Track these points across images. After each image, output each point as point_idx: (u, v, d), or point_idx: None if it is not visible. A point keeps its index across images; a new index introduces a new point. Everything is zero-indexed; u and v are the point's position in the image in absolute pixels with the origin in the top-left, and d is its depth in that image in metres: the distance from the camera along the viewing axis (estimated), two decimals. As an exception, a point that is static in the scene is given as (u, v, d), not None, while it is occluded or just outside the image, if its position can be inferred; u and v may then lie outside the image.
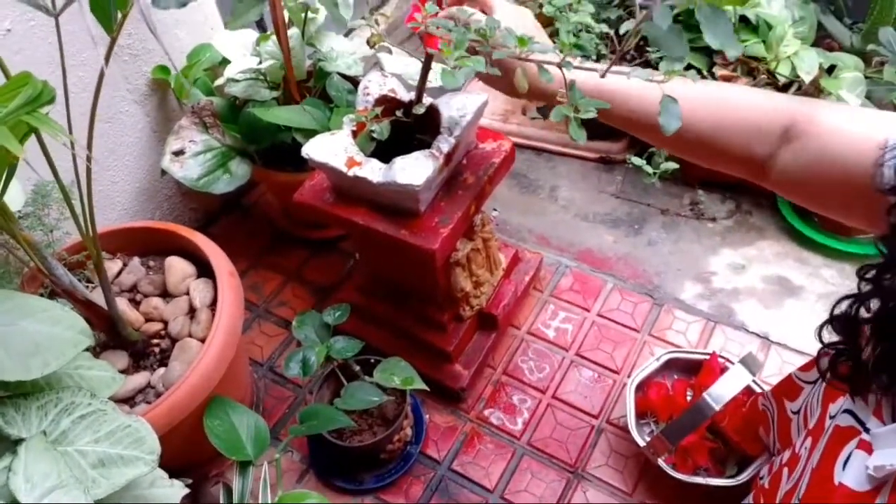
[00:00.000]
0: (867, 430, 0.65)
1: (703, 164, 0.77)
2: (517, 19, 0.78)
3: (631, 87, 0.73)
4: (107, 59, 0.71)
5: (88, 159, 0.78)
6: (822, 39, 1.46)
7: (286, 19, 1.17)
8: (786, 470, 0.81)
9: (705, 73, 1.40)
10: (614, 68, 0.59)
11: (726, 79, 1.36)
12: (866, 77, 1.33)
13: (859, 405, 0.68)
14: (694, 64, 1.39)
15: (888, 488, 0.61)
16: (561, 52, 0.60)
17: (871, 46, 1.30)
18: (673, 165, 1.42)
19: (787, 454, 0.83)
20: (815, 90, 1.36)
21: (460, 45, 0.62)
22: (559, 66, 0.61)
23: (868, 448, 0.64)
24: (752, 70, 1.37)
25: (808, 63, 1.27)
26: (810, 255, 1.40)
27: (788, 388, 0.90)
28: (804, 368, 0.88)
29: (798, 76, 1.30)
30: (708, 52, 1.42)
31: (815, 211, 0.73)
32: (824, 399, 0.79)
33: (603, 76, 0.60)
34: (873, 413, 0.66)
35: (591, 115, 0.59)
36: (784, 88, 1.35)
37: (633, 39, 0.54)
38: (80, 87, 1.12)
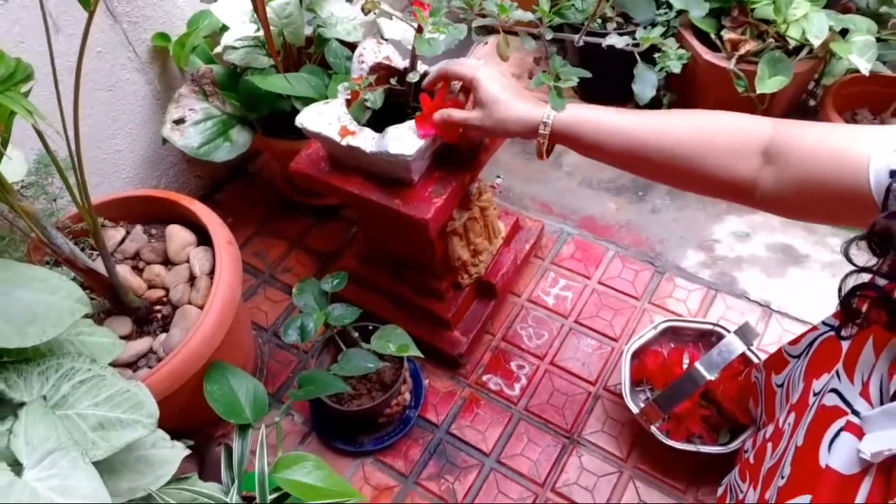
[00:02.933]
0: (854, 412, 0.65)
1: (694, 192, 0.80)
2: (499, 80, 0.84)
3: (617, 123, 0.80)
4: (85, 34, 0.71)
5: (76, 130, 0.78)
6: (837, 0, 1.41)
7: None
8: (770, 445, 0.82)
9: (713, 35, 1.36)
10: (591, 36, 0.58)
11: (734, 42, 1.33)
12: (880, 40, 1.29)
13: (845, 385, 0.68)
14: (702, 27, 1.36)
15: (874, 469, 0.61)
16: (541, 20, 0.59)
17: (884, 9, 1.26)
18: (678, 131, 1.40)
19: (770, 428, 0.83)
20: (825, 53, 1.33)
21: (437, 12, 0.62)
22: (539, 34, 0.60)
23: (856, 431, 0.63)
24: (762, 33, 1.34)
25: (818, 26, 1.23)
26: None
27: (776, 361, 0.90)
28: (793, 343, 0.87)
29: (808, 40, 1.27)
30: (717, 15, 1.38)
31: (803, 221, 0.73)
32: (807, 374, 0.79)
33: (578, 41, 0.59)
34: (860, 394, 0.65)
35: (572, 83, 0.58)
36: (795, 52, 1.32)
37: (606, 4, 0.53)
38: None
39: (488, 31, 0.80)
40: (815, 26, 1.24)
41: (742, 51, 1.32)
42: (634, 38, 0.55)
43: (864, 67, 1.23)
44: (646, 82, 0.57)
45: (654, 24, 1.33)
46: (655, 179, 0.84)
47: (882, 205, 0.60)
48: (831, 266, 1.32)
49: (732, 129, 0.73)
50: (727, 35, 1.34)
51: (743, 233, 1.39)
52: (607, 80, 1.56)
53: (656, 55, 1.20)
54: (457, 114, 0.88)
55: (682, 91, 1.48)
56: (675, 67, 1.30)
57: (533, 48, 0.63)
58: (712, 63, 1.34)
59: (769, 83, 1.26)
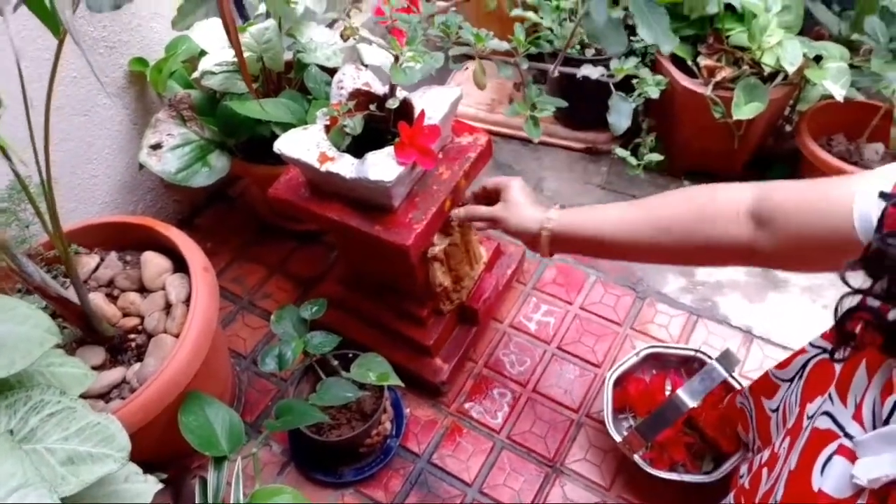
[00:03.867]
0: (847, 435, 0.64)
1: (703, 265, 0.87)
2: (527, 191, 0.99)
3: (613, 220, 0.86)
4: (55, 62, 0.69)
5: (46, 157, 0.77)
6: (811, 28, 1.44)
7: (264, 10, 1.16)
8: (765, 470, 0.81)
9: (690, 62, 1.38)
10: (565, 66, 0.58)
11: (710, 69, 1.35)
12: (853, 66, 1.32)
13: (838, 408, 0.67)
14: (678, 54, 1.38)
15: (866, 494, 0.60)
16: (516, 49, 0.59)
17: (855, 36, 1.29)
18: (657, 157, 1.41)
19: (766, 453, 0.83)
20: (800, 80, 1.35)
21: (413, 40, 0.62)
22: (515, 63, 0.60)
23: (849, 454, 0.63)
24: (737, 60, 1.36)
25: (792, 53, 1.25)
26: (795, 247, 1.39)
27: (765, 385, 0.90)
28: (780, 366, 0.87)
29: (782, 66, 1.28)
30: (693, 42, 1.40)
31: (811, 272, 0.76)
32: (802, 398, 0.78)
33: (553, 72, 0.60)
34: (853, 417, 0.65)
35: (548, 112, 0.58)
36: (770, 78, 1.34)
37: (577, 37, 0.53)
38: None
39: (467, 57, 0.80)
40: (789, 53, 1.26)
41: (718, 77, 1.33)
42: (608, 69, 0.55)
43: (839, 93, 1.25)
44: (621, 113, 0.57)
45: (631, 52, 1.35)
46: (661, 262, 0.90)
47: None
48: (810, 290, 1.33)
49: (717, 199, 0.78)
50: (703, 62, 1.36)
51: (723, 257, 1.39)
52: (587, 104, 1.57)
53: (634, 81, 1.21)
54: (481, 210, 1.01)
55: (661, 117, 1.50)
56: (654, 93, 1.32)
57: (510, 77, 0.63)
58: (689, 89, 1.36)
59: (745, 109, 1.28)
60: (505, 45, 0.61)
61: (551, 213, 0.93)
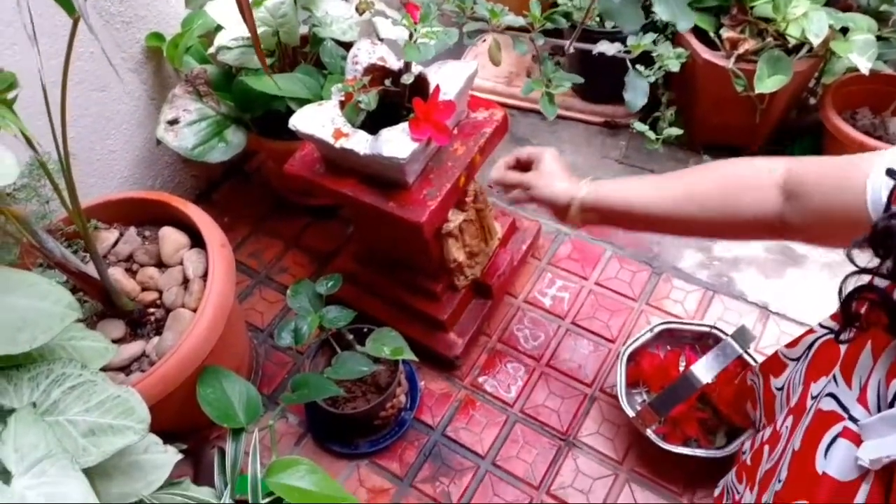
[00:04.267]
0: (851, 418, 0.64)
1: (732, 239, 0.88)
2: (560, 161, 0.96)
3: (645, 193, 0.85)
4: (70, 40, 0.70)
5: (64, 135, 0.78)
6: (838, -1, 1.40)
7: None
8: (766, 447, 0.81)
9: (712, 34, 1.35)
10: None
11: (733, 41, 1.32)
12: (880, 38, 1.28)
13: (843, 389, 0.67)
14: (701, 25, 1.35)
15: (872, 475, 0.60)
16: (532, 24, 0.58)
17: (885, 7, 1.25)
18: (677, 131, 1.38)
19: (768, 431, 0.83)
20: (825, 52, 1.31)
21: (426, 17, 0.61)
22: (531, 39, 0.59)
23: (853, 437, 0.63)
24: (761, 32, 1.33)
25: (818, 25, 1.22)
26: (816, 223, 1.37)
27: (774, 364, 0.90)
28: (790, 345, 0.87)
29: (808, 38, 1.25)
30: (715, 14, 1.37)
31: (836, 248, 0.76)
32: (806, 377, 0.78)
33: (569, 49, 0.59)
34: (857, 399, 0.64)
35: (564, 89, 0.58)
36: (794, 51, 1.30)
37: (594, 11, 0.52)
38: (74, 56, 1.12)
39: (483, 32, 0.79)
40: (814, 24, 1.22)
41: (741, 49, 1.30)
42: (625, 45, 0.54)
43: (865, 66, 1.22)
44: (637, 90, 0.57)
45: (651, 26, 1.32)
46: (694, 235, 0.89)
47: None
48: (830, 266, 1.31)
49: (747, 173, 0.78)
50: (726, 34, 1.33)
51: (741, 233, 1.37)
52: (605, 78, 1.55)
53: (654, 54, 1.19)
54: (512, 175, 0.98)
55: (681, 90, 1.47)
56: (674, 67, 1.29)
57: (524, 53, 0.62)
58: (711, 62, 1.33)
59: (768, 82, 1.25)
60: (520, 21, 0.61)
61: (583, 183, 0.91)
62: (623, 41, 0.69)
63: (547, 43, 0.63)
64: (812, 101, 1.53)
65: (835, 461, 0.64)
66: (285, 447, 1.17)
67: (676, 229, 0.87)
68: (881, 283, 0.61)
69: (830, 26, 1.25)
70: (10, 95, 0.63)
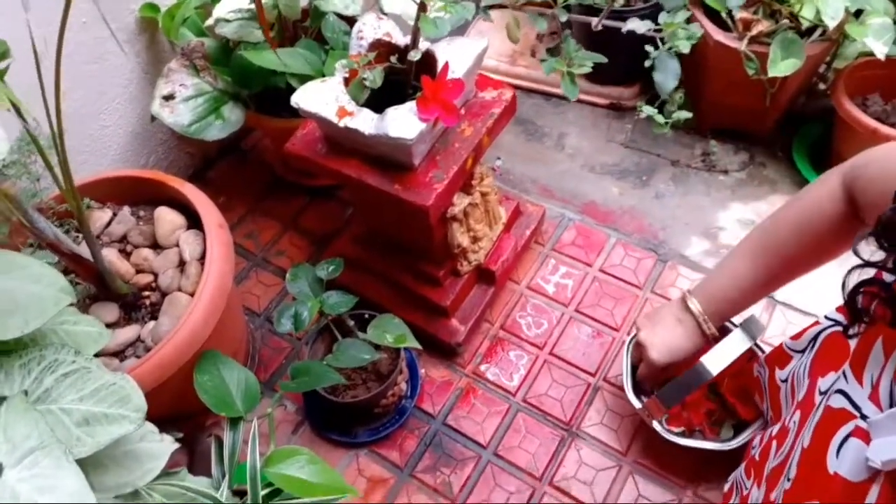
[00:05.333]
0: (863, 416, 0.62)
1: (831, 259, 0.89)
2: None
3: (744, 272, 0.91)
4: (66, 9, 0.66)
5: (58, 109, 0.74)
6: (853, -20, 1.36)
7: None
8: (775, 443, 0.80)
9: (724, 14, 1.31)
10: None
11: (746, 22, 1.28)
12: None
13: (853, 387, 0.65)
14: (712, 5, 1.31)
15: (882, 476, 0.59)
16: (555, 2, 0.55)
17: (903, -10, 1.22)
18: (685, 114, 1.35)
19: (776, 427, 0.81)
20: (839, 36, 1.28)
21: (445, -10, 0.57)
22: (553, 15, 0.56)
23: (865, 436, 0.61)
24: (774, 13, 1.29)
25: (833, 7, 1.19)
26: (824, 212, 1.35)
27: (779, 356, 0.88)
28: (794, 337, 0.86)
29: (822, 21, 1.22)
30: (729, -6, 1.33)
31: None
32: (812, 371, 0.77)
33: (597, 25, 0.56)
34: (869, 397, 0.63)
35: (586, 69, 0.55)
36: (808, 33, 1.27)
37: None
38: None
39: (500, 6, 0.76)
40: (830, 7, 1.19)
41: (754, 31, 1.27)
42: (657, 23, 0.51)
43: (881, 51, 1.19)
44: (668, 71, 0.54)
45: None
46: (796, 277, 0.93)
47: None
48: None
49: (811, 194, 0.83)
50: (739, 14, 1.29)
51: (749, 220, 1.35)
52: (614, 59, 1.51)
53: (661, 36, 1.15)
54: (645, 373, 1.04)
55: (689, 72, 1.43)
56: (685, 48, 1.26)
57: (544, 30, 0.59)
58: (723, 43, 1.29)
59: (782, 66, 1.22)
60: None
61: (690, 306, 0.97)
62: (653, 18, 0.66)
63: (570, 20, 0.60)
64: (821, 86, 1.50)
65: (846, 461, 0.63)
66: (283, 435, 1.15)
67: (783, 282, 0.93)
68: (889, 277, 0.60)
69: (846, 9, 1.22)
70: (2, 66, 0.59)
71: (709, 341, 0.97)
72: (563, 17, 0.55)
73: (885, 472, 0.59)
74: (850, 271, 0.62)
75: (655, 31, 0.55)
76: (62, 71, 0.81)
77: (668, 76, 0.56)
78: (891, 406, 0.61)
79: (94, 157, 1.27)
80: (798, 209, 0.84)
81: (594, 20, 0.54)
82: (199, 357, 0.95)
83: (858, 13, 1.27)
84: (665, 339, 0.98)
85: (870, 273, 0.62)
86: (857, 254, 0.60)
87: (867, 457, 0.60)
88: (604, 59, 0.57)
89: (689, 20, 1.33)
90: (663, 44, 0.60)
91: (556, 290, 1.28)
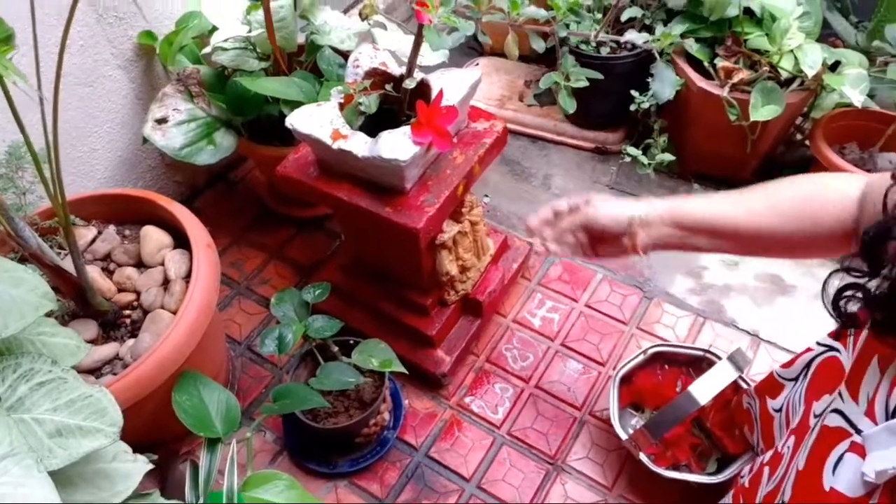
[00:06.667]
0: (858, 432, 0.62)
1: (806, 256, 0.84)
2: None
3: (727, 206, 0.79)
4: (68, 22, 0.66)
5: (55, 121, 0.74)
6: (826, 37, 1.43)
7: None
8: (767, 469, 0.79)
9: (706, 63, 1.36)
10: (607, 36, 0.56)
11: (727, 70, 1.33)
12: (869, 76, 1.30)
13: (849, 405, 0.65)
14: (695, 55, 1.36)
15: (879, 491, 0.58)
16: (554, 17, 0.57)
17: (876, 43, 1.28)
18: (668, 157, 1.39)
19: (768, 454, 0.80)
20: (817, 86, 1.34)
21: (447, 2, 0.59)
22: (551, 32, 0.57)
23: (861, 451, 0.61)
24: (754, 63, 1.34)
25: (812, 57, 1.24)
26: (804, 255, 1.38)
27: (770, 385, 0.88)
28: (786, 365, 0.85)
29: (801, 71, 1.27)
30: (710, 44, 1.39)
31: None
32: (808, 396, 0.76)
33: (596, 37, 0.57)
34: (865, 414, 0.63)
35: (583, 83, 0.56)
36: (786, 83, 1.32)
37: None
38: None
39: (479, 53, 0.78)
40: (809, 57, 1.24)
41: (735, 79, 1.31)
42: (654, 35, 0.53)
43: (857, 99, 1.24)
44: (665, 81, 0.56)
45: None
46: (767, 253, 0.82)
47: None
48: (818, 297, 1.30)
49: (828, 187, 0.74)
50: (721, 63, 1.34)
51: (731, 261, 1.37)
52: (597, 105, 1.56)
53: (649, 79, 1.19)
54: (567, 220, 0.88)
55: (674, 118, 1.48)
56: (669, 94, 1.30)
57: (542, 49, 0.61)
58: (705, 90, 1.34)
59: (763, 111, 1.26)
60: (543, 13, 0.59)
61: (651, 200, 0.83)
62: (637, 66, 0.68)
63: (568, 36, 0.62)
64: (799, 136, 1.55)
65: (843, 477, 0.62)
66: (260, 465, 1.11)
67: (757, 245, 0.80)
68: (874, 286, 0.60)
69: (823, 61, 1.27)
70: (8, 56, 0.60)
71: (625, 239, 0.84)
72: (563, 33, 0.57)
73: (882, 486, 0.58)
74: (829, 276, 0.62)
75: (654, 41, 0.57)
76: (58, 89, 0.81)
77: (664, 85, 0.58)
78: (887, 419, 0.61)
79: (81, 179, 1.26)
80: (815, 192, 0.76)
81: (589, 35, 0.56)
82: (178, 377, 0.92)
83: (835, 66, 1.33)
84: (614, 204, 0.86)
85: (849, 278, 0.62)
86: (844, 269, 0.60)
87: (863, 471, 0.59)
88: (599, 76, 0.59)
89: (671, 65, 1.38)
90: (661, 56, 0.62)
91: (542, 324, 1.27)
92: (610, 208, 0.84)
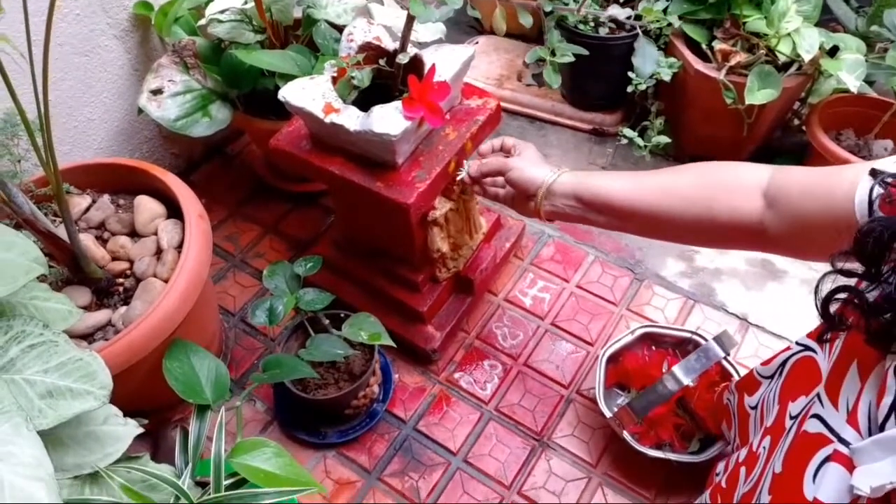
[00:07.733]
0: (841, 440, 0.61)
1: (707, 245, 0.85)
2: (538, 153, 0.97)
3: (628, 185, 0.82)
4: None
5: (45, 89, 0.74)
6: (826, 22, 1.42)
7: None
8: (743, 469, 0.79)
9: (704, 45, 1.36)
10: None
11: (725, 53, 1.33)
12: (867, 61, 1.30)
13: (829, 411, 0.64)
14: (693, 37, 1.36)
15: (864, 501, 0.58)
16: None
17: (874, 28, 1.27)
18: (665, 139, 1.39)
19: (744, 452, 0.80)
20: (814, 70, 1.33)
21: (435, -26, 0.59)
22: (538, 7, 0.58)
23: (844, 461, 0.60)
24: (752, 46, 1.34)
25: (809, 41, 1.24)
26: (796, 240, 1.38)
27: (748, 382, 0.88)
28: (765, 363, 0.85)
29: (798, 55, 1.27)
30: (708, 26, 1.38)
31: (814, 261, 0.76)
32: (782, 396, 0.76)
33: (578, 11, 0.57)
34: (847, 422, 0.61)
35: (568, 59, 0.56)
36: (784, 68, 1.32)
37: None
38: (58, 17, 1.09)
39: (478, 31, 0.77)
40: (806, 41, 1.24)
41: (732, 62, 1.31)
42: (636, 10, 0.53)
43: (854, 85, 1.23)
44: (646, 57, 0.56)
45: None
46: (669, 237, 0.84)
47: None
48: (809, 283, 1.32)
49: (729, 175, 0.76)
50: (718, 46, 1.34)
51: (723, 245, 1.38)
52: (594, 86, 1.56)
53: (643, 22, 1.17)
54: (492, 161, 0.97)
55: (670, 100, 1.48)
56: (666, 76, 1.30)
57: (529, 24, 0.61)
58: (702, 73, 1.33)
59: (758, 95, 1.26)
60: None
61: (561, 170, 0.89)
62: (632, 7, 0.68)
63: (553, 10, 0.62)
64: (796, 122, 1.55)
65: (826, 487, 0.61)
66: (250, 433, 1.13)
67: (653, 227, 0.83)
68: (867, 288, 0.60)
69: (821, 45, 1.27)
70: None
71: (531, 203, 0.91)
72: (549, 7, 0.58)
73: (868, 498, 0.58)
74: (822, 277, 0.62)
75: (636, 17, 0.57)
76: (51, 60, 0.82)
77: (646, 60, 0.58)
78: (869, 429, 0.60)
79: (78, 148, 1.27)
80: (715, 179, 0.77)
81: (574, 7, 0.56)
82: (169, 344, 0.93)
83: (833, 51, 1.33)
84: (532, 169, 0.91)
85: (844, 279, 0.61)
86: (834, 267, 0.60)
87: (852, 484, 0.58)
88: (584, 51, 0.59)
89: (667, 50, 1.38)
90: (645, 33, 0.62)
91: (533, 303, 1.28)
92: (526, 171, 0.91)
